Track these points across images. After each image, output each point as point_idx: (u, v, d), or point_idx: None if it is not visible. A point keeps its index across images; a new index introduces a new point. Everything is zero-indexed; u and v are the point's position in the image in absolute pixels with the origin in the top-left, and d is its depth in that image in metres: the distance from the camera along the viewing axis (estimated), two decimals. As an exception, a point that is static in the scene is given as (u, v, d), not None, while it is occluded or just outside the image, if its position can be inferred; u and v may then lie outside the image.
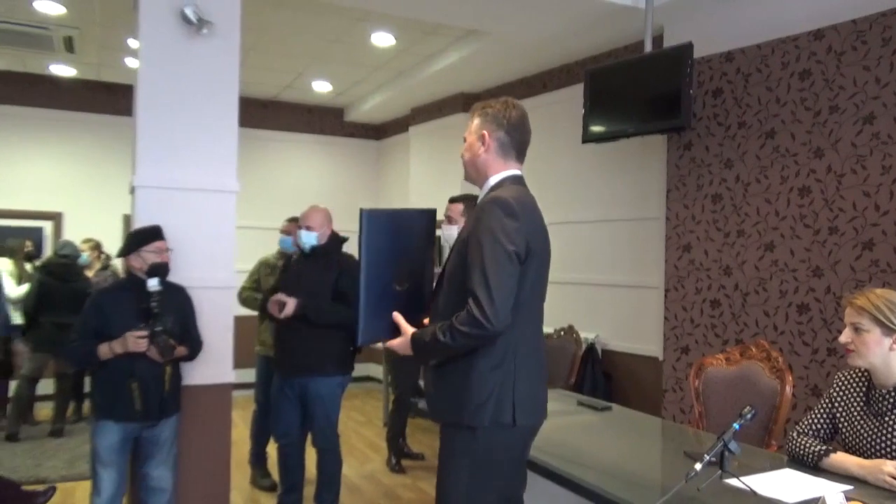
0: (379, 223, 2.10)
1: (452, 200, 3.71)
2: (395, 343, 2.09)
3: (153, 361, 2.97)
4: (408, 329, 2.07)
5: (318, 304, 3.62)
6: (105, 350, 2.93)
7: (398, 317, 2.08)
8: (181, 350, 3.08)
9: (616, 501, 1.94)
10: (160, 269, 3.05)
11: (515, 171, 2.14)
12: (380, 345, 4.69)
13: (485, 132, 2.11)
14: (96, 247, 6.37)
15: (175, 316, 3.05)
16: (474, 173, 2.17)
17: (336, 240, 3.81)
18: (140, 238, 3.09)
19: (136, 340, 2.90)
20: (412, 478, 4.95)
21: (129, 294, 3.03)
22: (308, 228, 3.70)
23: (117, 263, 6.12)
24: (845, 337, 2.14)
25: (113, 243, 5.61)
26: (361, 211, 2.05)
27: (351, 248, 3.89)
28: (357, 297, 2.05)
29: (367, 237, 2.05)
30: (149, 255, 3.06)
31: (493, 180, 2.12)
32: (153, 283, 2.99)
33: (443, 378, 2.04)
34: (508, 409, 1.96)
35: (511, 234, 1.93)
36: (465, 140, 2.19)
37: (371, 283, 2.07)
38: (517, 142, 2.14)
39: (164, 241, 3.13)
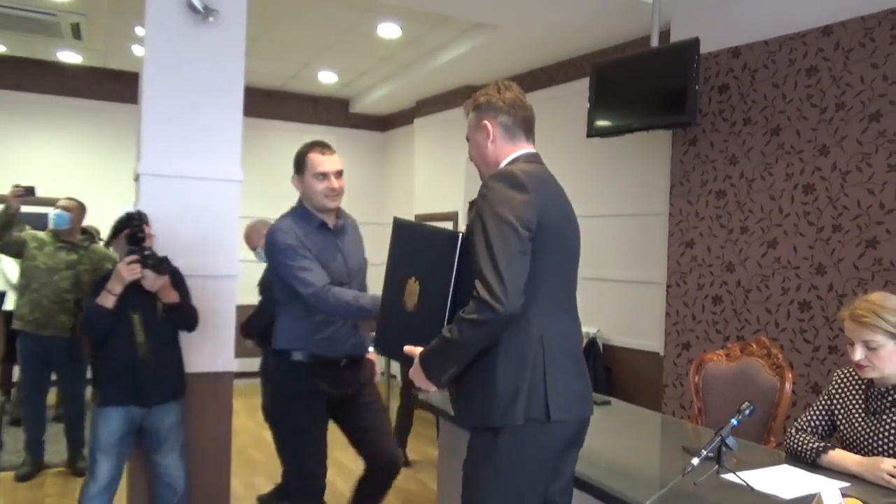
0: (403, 233, 2.00)
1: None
2: (411, 373, 1.85)
3: (149, 303, 2.93)
4: (416, 352, 1.83)
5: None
6: (105, 297, 2.84)
7: (409, 348, 1.84)
8: (173, 293, 2.97)
9: (614, 495, 1.95)
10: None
11: (528, 149, 1.94)
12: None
13: (485, 122, 1.92)
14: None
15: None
16: (486, 169, 1.96)
17: None
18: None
19: (127, 267, 2.81)
20: (413, 469, 4.97)
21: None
22: (255, 250, 4.06)
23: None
24: (860, 355, 2.10)
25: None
26: (393, 219, 2.01)
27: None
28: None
29: (392, 245, 1.99)
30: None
31: (504, 163, 1.92)
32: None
33: (464, 380, 1.81)
34: (540, 404, 1.73)
35: (517, 207, 1.71)
36: (468, 141, 2.02)
37: (388, 293, 1.98)
38: (521, 120, 1.94)
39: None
